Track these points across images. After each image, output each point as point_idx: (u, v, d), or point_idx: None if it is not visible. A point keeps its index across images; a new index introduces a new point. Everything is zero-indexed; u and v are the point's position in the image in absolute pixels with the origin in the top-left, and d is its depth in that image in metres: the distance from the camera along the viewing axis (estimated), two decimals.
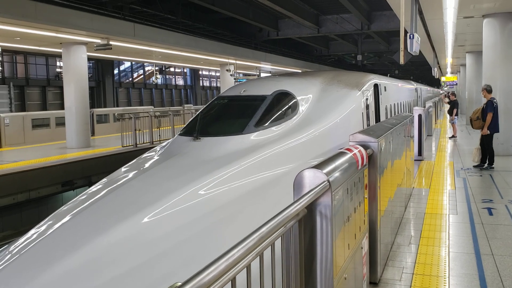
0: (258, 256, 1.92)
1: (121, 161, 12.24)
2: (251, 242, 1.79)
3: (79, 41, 16.06)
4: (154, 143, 16.67)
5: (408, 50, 9.20)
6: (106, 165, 14.05)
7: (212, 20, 26.59)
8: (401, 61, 9.13)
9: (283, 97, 6.81)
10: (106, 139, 19.25)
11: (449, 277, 4.40)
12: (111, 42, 16.22)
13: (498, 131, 10.22)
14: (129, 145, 16.12)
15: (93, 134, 20.27)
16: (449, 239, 5.51)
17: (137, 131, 16.47)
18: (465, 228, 5.98)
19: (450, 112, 17.78)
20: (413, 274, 4.50)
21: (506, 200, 7.41)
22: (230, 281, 1.69)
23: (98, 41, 16.07)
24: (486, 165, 10.21)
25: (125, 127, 16.55)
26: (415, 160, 10.10)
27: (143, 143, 16.61)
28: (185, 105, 34.79)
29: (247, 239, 1.80)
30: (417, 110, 11.90)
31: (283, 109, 6.63)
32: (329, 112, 6.96)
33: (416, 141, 11.17)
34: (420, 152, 11.55)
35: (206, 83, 53.04)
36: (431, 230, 5.88)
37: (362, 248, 3.63)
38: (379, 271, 4.34)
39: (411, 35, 9.24)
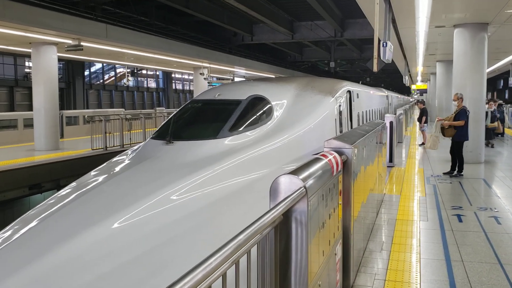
0: (234, 264, 1.87)
1: (91, 164, 11.98)
2: (228, 251, 1.75)
3: (49, 41, 15.70)
4: (124, 146, 16.41)
5: (381, 58, 9.30)
6: (75, 168, 13.75)
7: (186, 23, 26.45)
8: (375, 69, 9.22)
9: (258, 102, 6.78)
10: (75, 142, 18.86)
11: (420, 283, 4.43)
12: (82, 43, 15.90)
13: (467, 139, 10.44)
14: (99, 148, 15.82)
15: (62, 136, 19.83)
16: (420, 246, 5.57)
17: (107, 134, 16.17)
18: (435, 234, 6.05)
19: (420, 119, 18.13)
20: (385, 280, 4.51)
21: (475, 207, 7.54)
22: None
23: (69, 41, 15.73)
24: (455, 172, 10.40)
25: (95, 129, 16.24)
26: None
27: (113, 146, 16.33)
28: (157, 108, 34.48)
29: (224, 248, 1.75)
30: (389, 117, 12.05)
31: (257, 114, 6.60)
32: (303, 118, 6.97)
33: (387, 147, 11.31)
34: (391, 159, 11.69)
35: (179, 86, 52.73)
36: (402, 237, 5.93)
37: (336, 254, 3.62)
38: (352, 278, 4.34)
39: (384, 43, 9.35)
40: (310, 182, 2.80)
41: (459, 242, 5.69)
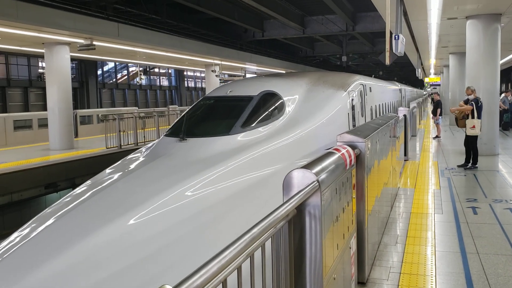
0: (249, 257, 1.90)
1: (106, 162, 12.11)
2: (243, 243, 1.77)
3: (62, 41, 15.85)
4: (138, 144, 16.54)
5: (393, 51, 9.25)
6: (90, 167, 13.89)
7: (197, 20, 26.49)
8: (387, 62, 9.17)
9: (270, 97, 6.79)
10: (89, 141, 19.04)
11: (435, 276, 4.42)
12: (94, 42, 16.03)
13: (479, 131, 10.35)
14: (113, 147, 15.97)
15: (76, 135, 20.03)
16: (435, 238, 5.55)
17: (121, 132, 16.32)
18: (450, 227, 6.02)
19: (434, 112, 17.95)
20: (400, 273, 4.51)
21: (490, 199, 7.49)
22: (221, 283, 1.66)
23: (82, 41, 15.87)
24: (470, 164, 10.32)
25: (109, 128, 16.39)
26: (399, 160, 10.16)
27: (128, 144, 16.47)
28: (170, 106, 34.62)
29: (239, 241, 1.77)
30: (402, 111, 11.98)
31: (269, 110, 6.61)
32: (315, 112, 6.96)
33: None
34: (405, 152, 11.62)
35: (191, 84, 52.84)
36: (417, 230, 5.91)
37: (350, 248, 3.63)
38: (367, 271, 4.35)
39: (396, 36, 9.29)
40: (323, 176, 2.81)
41: (474, 235, 5.65)
